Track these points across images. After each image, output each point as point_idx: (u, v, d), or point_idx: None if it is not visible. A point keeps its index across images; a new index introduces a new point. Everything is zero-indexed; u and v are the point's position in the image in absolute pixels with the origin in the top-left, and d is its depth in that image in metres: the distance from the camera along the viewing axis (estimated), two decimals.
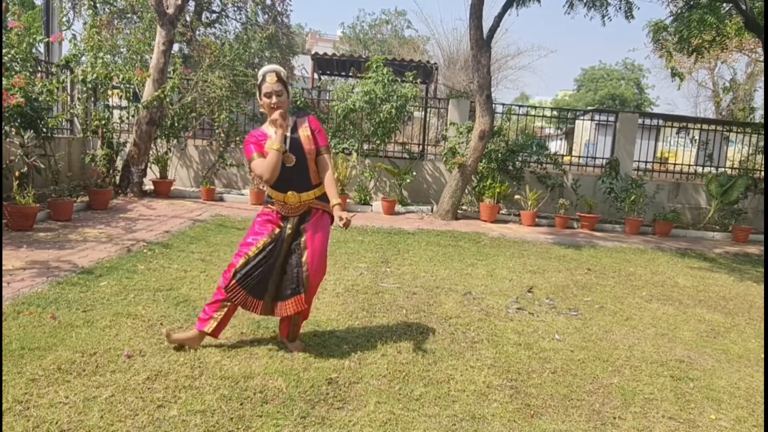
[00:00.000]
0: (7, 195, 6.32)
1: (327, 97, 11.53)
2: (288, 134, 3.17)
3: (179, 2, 8.97)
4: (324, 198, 3.27)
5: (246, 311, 3.32)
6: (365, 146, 10.64)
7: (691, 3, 8.77)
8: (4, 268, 4.47)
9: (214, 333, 3.23)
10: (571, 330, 4.20)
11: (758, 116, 18.21)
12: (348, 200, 9.58)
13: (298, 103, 10.34)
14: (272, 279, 3.21)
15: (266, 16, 16.50)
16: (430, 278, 5.38)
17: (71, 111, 8.72)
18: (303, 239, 3.20)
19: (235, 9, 16.34)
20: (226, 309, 3.22)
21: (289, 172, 3.15)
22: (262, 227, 3.22)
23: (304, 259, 3.18)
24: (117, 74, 8.78)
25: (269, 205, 3.27)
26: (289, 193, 3.17)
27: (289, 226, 3.21)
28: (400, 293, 4.77)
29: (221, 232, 6.80)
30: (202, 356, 3.15)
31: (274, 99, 3.12)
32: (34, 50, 7.64)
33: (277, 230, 3.21)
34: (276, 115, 3.10)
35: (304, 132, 3.21)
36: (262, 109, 3.25)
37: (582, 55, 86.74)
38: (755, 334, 4.52)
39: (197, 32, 15.18)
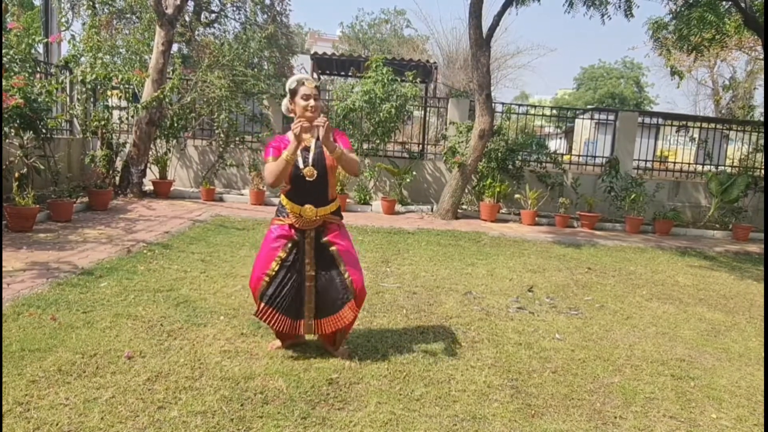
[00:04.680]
0: (7, 196, 6.31)
1: (327, 97, 11.53)
2: (312, 147, 3.10)
3: (178, 2, 8.96)
4: (338, 213, 3.26)
5: (287, 333, 3.26)
6: (365, 146, 10.63)
7: (691, 1, 8.75)
8: (4, 269, 4.47)
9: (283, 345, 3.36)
10: (572, 329, 4.20)
11: (758, 114, 18.21)
12: (348, 200, 9.58)
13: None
14: (306, 296, 3.17)
15: (265, 15, 16.45)
16: (430, 278, 5.38)
17: (71, 112, 8.71)
18: (334, 249, 3.16)
19: (234, 9, 16.31)
20: None
21: (309, 185, 3.10)
22: (275, 242, 3.15)
23: (342, 267, 3.15)
24: (116, 75, 8.76)
25: (281, 217, 3.19)
26: (307, 206, 3.10)
27: (306, 240, 3.15)
28: (400, 293, 4.77)
29: (221, 232, 6.80)
30: (202, 357, 3.15)
31: (312, 102, 3.08)
32: (33, 51, 7.63)
33: (291, 244, 3.14)
34: (296, 127, 2.97)
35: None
36: (291, 115, 3.19)
37: (581, 53, 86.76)
38: (756, 332, 4.51)
39: (196, 32, 15.16)
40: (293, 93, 3.13)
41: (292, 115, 3.19)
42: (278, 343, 3.35)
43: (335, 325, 3.17)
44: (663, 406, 3.04)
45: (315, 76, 16.21)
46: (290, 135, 3.12)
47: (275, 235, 3.16)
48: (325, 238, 3.16)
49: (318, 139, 3.12)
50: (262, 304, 3.15)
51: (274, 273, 3.13)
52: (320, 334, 3.25)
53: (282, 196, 3.20)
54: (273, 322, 3.17)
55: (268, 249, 3.16)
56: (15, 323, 3.39)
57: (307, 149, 3.12)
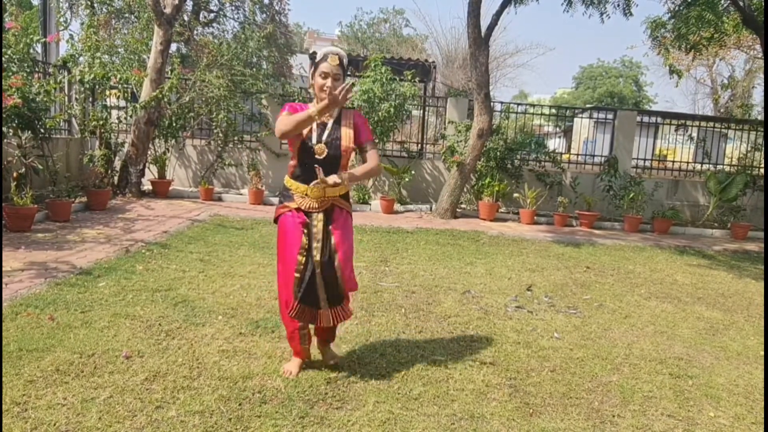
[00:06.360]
0: (5, 196, 6.30)
1: None
2: (329, 126, 2.91)
3: (176, 2, 8.95)
4: (347, 197, 3.06)
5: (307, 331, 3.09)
6: None
7: (689, 0, 8.75)
8: (2, 269, 4.46)
9: (302, 355, 3.09)
10: (570, 328, 4.20)
11: (756, 113, 18.22)
12: None
13: (296, 102, 10.31)
14: (318, 284, 2.92)
15: (264, 15, 16.43)
16: (429, 277, 5.38)
17: (69, 111, 8.71)
18: (333, 242, 2.93)
19: (233, 8, 16.29)
20: (305, 333, 3.04)
21: (317, 164, 2.87)
22: (294, 237, 2.91)
23: (336, 264, 2.93)
24: (115, 74, 8.76)
25: (286, 203, 2.96)
26: (313, 185, 2.89)
27: (314, 223, 2.91)
28: (398, 292, 4.76)
29: (220, 232, 6.80)
30: (200, 357, 3.15)
31: (329, 81, 2.82)
32: (31, 50, 7.62)
33: (305, 230, 2.91)
34: (326, 96, 2.72)
35: (346, 128, 2.95)
36: (311, 90, 2.96)
37: (580, 52, 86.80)
38: (754, 331, 4.52)
39: (195, 32, 15.14)
40: (315, 67, 2.89)
41: (311, 90, 2.96)
42: (295, 366, 3.04)
43: (338, 317, 2.99)
44: (661, 405, 3.04)
45: None
46: (312, 106, 2.86)
47: (288, 226, 2.93)
48: (330, 226, 2.94)
49: (338, 119, 2.94)
50: (296, 303, 2.90)
51: (302, 269, 2.88)
52: (330, 325, 3.02)
53: (287, 178, 3.00)
54: (302, 316, 2.93)
55: (290, 245, 2.90)
56: (13, 323, 3.38)
57: (323, 126, 2.92)
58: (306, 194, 2.91)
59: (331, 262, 2.92)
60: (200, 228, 6.90)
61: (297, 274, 2.89)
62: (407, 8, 50.28)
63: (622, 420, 2.84)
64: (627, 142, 11.01)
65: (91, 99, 9.01)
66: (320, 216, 2.92)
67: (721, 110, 22.09)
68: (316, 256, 2.89)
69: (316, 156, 2.88)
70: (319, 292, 2.94)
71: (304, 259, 2.89)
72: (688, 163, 11.93)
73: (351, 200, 3.14)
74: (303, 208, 2.92)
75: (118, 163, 9.03)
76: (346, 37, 35.93)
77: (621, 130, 11.08)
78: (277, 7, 16.79)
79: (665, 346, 3.96)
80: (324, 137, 2.90)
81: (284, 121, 2.81)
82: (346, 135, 2.93)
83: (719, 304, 5.25)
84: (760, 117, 14.98)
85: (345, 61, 2.91)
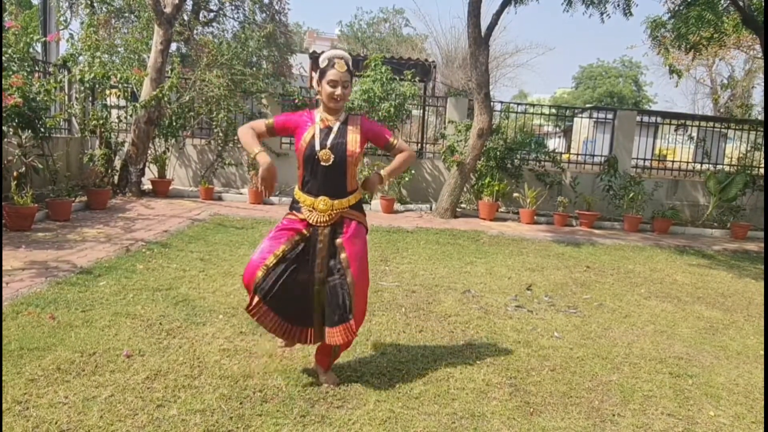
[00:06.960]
0: (6, 195, 6.30)
1: None
2: (335, 129, 2.83)
3: (176, 1, 8.94)
4: (359, 207, 2.94)
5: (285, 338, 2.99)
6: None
7: (689, 0, 8.76)
8: (3, 268, 4.46)
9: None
10: (570, 327, 4.20)
11: (756, 113, 18.23)
12: None
13: (297, 101, 10.34)
14: (315, 302, 2.82)
15: (264, 14, 16.43)
16: (429, 276, 5.38)
17: (69, 111, 8.71)
18: (344, 256, 2.79)
19: (233, 8, 16.29)
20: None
21: (324, 172, 2.78)
22: (278, 233, 2.84)
23: (349, 280, 2.78)
24: (115, 74, 8.76)
25: (294, 212, 2.86)
26: (320, 198, 2.78)
27: (320, 238, 2.80)
28: (399, 292, 4.77)
29: (220, 231, 6.80)
30: (201, 356, 3.15)
31: (339, 90, 2.76)
32: (31, 50, 7.62)
33: (298, 237, 2.80)
34: (261, 174, 2.76)
35: (353, 133, 2.84)
36: (318, 96, 2.88)
37: (580, 52, 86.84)
38: (754, 330, 4.53)
39: (195, 31, 15.14)
40: (322, 74, 2.79)
41: (318, 97, 2.89)
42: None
43: (330, 338, 2.80)
44: (661, 404, 3.04)
45: (314, 74, 16.19)
46: (318, 112, 2.87)
47: (281, 227, 2.85)
48: (339, 240, 2.81)
49: (344, 123, 2.86)
50: (256, 298, 2.78)
51: (272, 264, 2.76)
52: (322, 341, 2.90)
53: (296, 190, 2.91)
54: (266, 321, 2.81)
55: (269, 241, 2.84)
56: (14, 322, 3.39)
57: (328, 130, 2.81)
58: (313, 207, 2.80)
59: (341, 279, 2.79)
60: (200, 227, 6.90)
61: (264, 268, 2.77)
62: (407, 8, 50.26)
63: (622, 419, 2.84)
64: (627, 142, 11.02)
65: (91, 98, 9.01)
66: (326, 231, 2.81)
67: (721, 110, 22.11)
68: (319, 272, 2.80)
69: (322, 163, 2.77)
70: (314, 311, 2.83)
71: (276, 259, 2.77)
72: (687, 162, 11.93)
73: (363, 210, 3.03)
74: (311, 222, 2.80)
75: (118, 163, 9.02)
76: (346, 36, 35.89)
77: (621, 130, 11.08)
78: (276, 7, 16.78)
79: (665, 346, 3.96)
80: (329, 142, 2.79)
81: (246, 132, 2.88)
82: (353, 139, 2.83)
83: (719, 304, 5.26)
84: (760, 117, 14.99)
85: (350, 63, 2.85)
